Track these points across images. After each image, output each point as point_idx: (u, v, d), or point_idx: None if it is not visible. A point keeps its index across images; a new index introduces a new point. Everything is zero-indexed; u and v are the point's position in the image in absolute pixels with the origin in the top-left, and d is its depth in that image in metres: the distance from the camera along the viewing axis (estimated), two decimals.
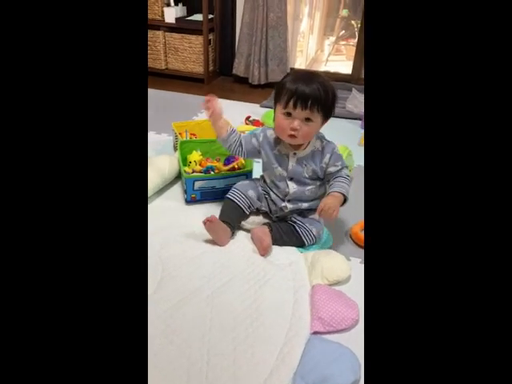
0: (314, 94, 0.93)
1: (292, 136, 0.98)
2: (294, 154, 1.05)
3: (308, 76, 0.96)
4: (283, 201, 1.11)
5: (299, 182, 1.07)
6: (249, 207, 1.14)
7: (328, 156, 1.03)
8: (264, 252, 1.05)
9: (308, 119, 0.96)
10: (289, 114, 0.96)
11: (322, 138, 1.06)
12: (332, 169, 1.04)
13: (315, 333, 0.85)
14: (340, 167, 1.05)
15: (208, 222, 1.05)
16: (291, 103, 0.94)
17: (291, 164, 1.06)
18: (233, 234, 1.12)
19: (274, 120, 1.03)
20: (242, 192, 1.13)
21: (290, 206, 1.10)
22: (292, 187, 1.07)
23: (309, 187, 1.08)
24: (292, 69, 2.54)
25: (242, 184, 1.17)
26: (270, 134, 1.08)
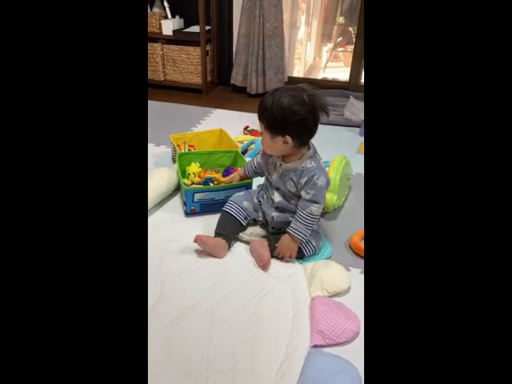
0: (261, 107, 0.97)
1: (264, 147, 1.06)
2: (280, 164, 1.05)
3: (278, 91, 0.96)
4: (272, 210, 1.12)
5: (284, 195, 1.08)
6: (245, 218, 1.14)
7: (305, 179, 1.01)
8: (264, 267, 1.05)
9: (267, 135, 1.00)
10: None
11: (312, 159, 1.02)
12: (303, 193, 1.01)
13: (315, 346, 0.84)
14: (310, 197, 1.00)
15: (199, 241, 1.06)
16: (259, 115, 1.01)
17: (276, 174, 1.07)
18: (229, 245, 1.12)
19: None
20: (238, 204, 1.14)
21: (276, 214, 1.10)
22: (277, 197, 1.09)
23: (293, 201, 1.08)
24: (290, 77, 2.55)
25: (236, 196, 1.18)
26: None
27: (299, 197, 1.06)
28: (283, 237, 1.07)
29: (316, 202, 1.01)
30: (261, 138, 1.05)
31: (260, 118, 0.99)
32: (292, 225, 1.05)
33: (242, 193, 1.20)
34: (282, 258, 1.08)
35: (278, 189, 1.09)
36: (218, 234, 1.11)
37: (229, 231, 1.12)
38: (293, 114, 0.93)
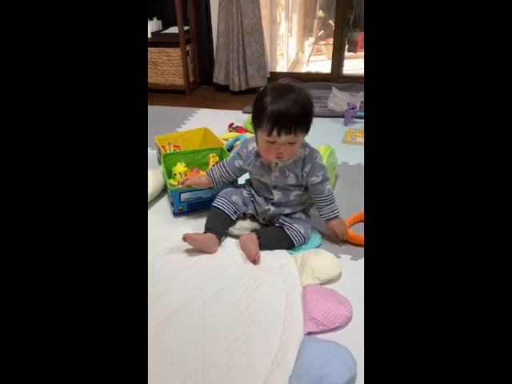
0: (296, 119, 0.90)
1: (278, 158, 0.99)
2: (276, 164, 1.05)
3: (285, 93, 0.91)
4: (267, 204, 1.12)
5: (283, 189, 1.08)
6: (235, 213, 1.14)
7: (309, 166, 1.03)
8: (255, 261, 1.05)
9: (291, 143, 0.95)
10: (273, 141, 0.94)
11: (305, 145, 1.05)
12: (314, 179, 1.04)
13: (309, 333, 0.85)
14: (321, 178, 1.04)
15: (188, 240, 1.06)
16: (275, 132, 0.91)
17: (274, 175, 1.06)
18: (220, 240, 1.12)
19: (256, 142, 1.03)
20: (227, 198, 1.14)
21: (272, 208, 1.11)
22: (277, 194, 1.09)
23: (294, 193, 1.09)
24: (272, 73, 2.55)
25: (225, 191, 1.18)
26: (252, 147, 1.09)
27: (299, 186, 1.07)
28: (332, 222, 1.09)
29: (327, 180, 1.06)
30: (281, 152, 0.96)
31: (291, 133, 0.91)
32: (327, 211, 1.08)
33: (230, 188, 1.20)
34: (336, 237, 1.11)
35: (275, 187, 1.08)
36: (207, 229, 1.11)
37: (219, 226, 1.11)
38: (311, 102, 0.94)
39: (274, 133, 0.91)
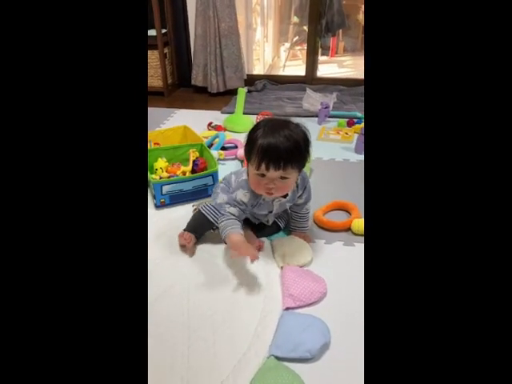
0: (286, 155, 0.88)
1: (268, 194, 0.96)
2: (279, 200, 1.05)
3: (278, 129, 0.90)
4: (258, 220, 1.16)
5: (277, 214, 1.15)
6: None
7: (301, 192, 1.08)
8: (260, 247, 1.12)
9: (283, 177, 0.93)
10: (263, 175, 0.93)
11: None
12: (298, 201, 1.10)
13: (287, 309, 0.91)
14: (303, 200, 1.10)
15: (184, 240, 1.10)
16: (263, 166, 0.89)
17: (275, 208, 1.08)
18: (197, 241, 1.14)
19: (248, 176, 1.00)
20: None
21: (271, 220, 1.17)
22: (271, 218, 1.15)
23: (284, 211, 1.17)
24: (249, 75, 2.63)
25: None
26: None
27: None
28: (297, 233, 1.15)
29: (308, 201, 1.12)
30: (271, 188, 0.94)
31: (280, 168, 0.89)
32: (298, 226, 1.15)
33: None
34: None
35: (270, 212, 1.10)
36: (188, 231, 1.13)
37: (202, 233, 1.14)
38: (306, 138, 0.94)
39: (263, 167, 0.90)
